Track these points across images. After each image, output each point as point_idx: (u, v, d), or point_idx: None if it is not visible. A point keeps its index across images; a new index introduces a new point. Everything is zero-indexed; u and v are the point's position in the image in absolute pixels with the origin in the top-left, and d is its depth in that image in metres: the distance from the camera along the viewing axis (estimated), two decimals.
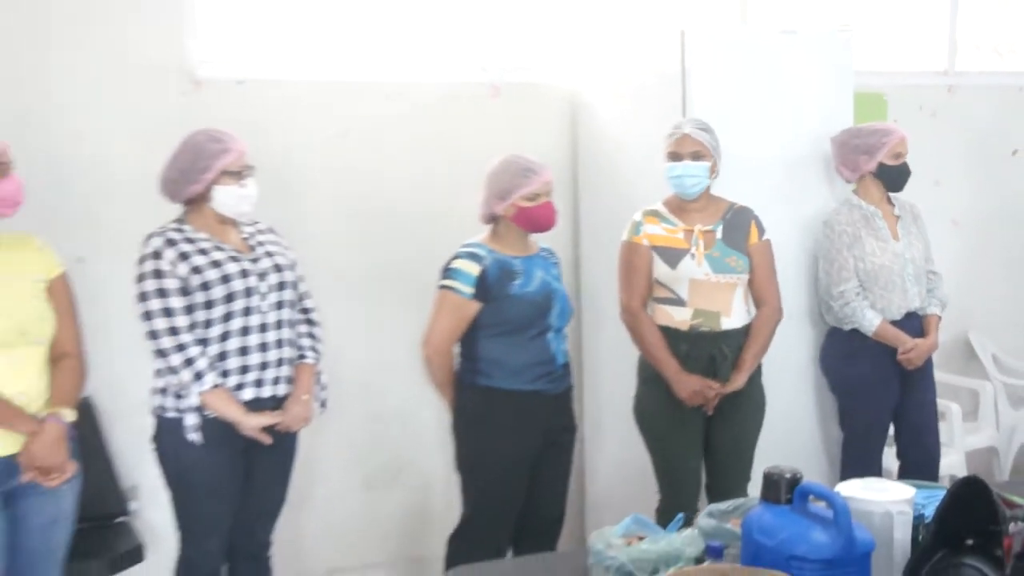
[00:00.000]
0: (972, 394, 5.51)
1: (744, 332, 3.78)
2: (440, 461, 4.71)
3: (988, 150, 5.69)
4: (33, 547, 2.99)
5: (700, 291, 3.71)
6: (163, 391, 3.27)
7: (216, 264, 3.24)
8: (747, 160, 4.08)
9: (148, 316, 3.20)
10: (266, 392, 3.30)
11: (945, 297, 4.41)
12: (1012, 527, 2.06)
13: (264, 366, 3.30)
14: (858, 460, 4.22)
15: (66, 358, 3.02)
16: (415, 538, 4.77)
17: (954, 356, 5.66)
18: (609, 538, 2.48)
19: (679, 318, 3.72)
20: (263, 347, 3.29)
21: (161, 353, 3.19)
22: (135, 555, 3.87)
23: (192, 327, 3.22)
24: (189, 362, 3.18)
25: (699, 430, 3.78)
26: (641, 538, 2.49)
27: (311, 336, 3.48)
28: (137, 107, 4.14)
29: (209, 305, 3.22)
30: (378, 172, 4.56)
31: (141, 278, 3.22)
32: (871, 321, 4.16)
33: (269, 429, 3.27)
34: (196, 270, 3.21)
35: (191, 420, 3.21)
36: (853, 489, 2.32)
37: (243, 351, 3.26)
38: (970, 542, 2.11)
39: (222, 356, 3.24)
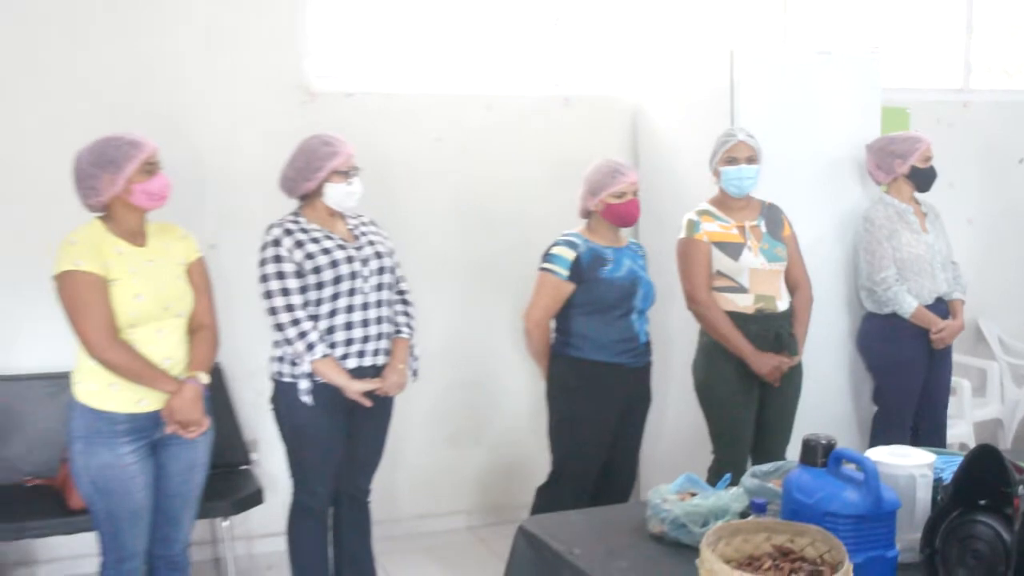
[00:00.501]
0: (980, 372, 5.45)
1: (791, 312, 3.78)
2: (513, 423, 4.76)
3: (997, 158, 5.64)
4: (174, 489, 3.03)
5: (758, 278, 3.70)
6: (280, 359, 3.31)
7: (326, 251, 3.26)
8: (787, 165, 4.05)
9: (268, 295, 3.24)
10: (367, 362, 3.31)
11: (965, 284, 4.36)
12: (1021, 489, 2.04)
13: (366, 339, 3.31)
14: (888, 430, 4.16)
15: (202, 329, 3.04)
16: (491, 489, 4.79)
17: (965, 339, 5.57)
18: (664, 494, 2.47)
19: (743, 304, 3.70)
20: (365, 323, 3.31)
21: (279, 327, 3.23)
22: (256, 498, 3.91)
23: (305, 305, 3.24)
24: (302, 335, 3.21)
25: (755, 400, 3.75)
26: (693, 494, 2.48)
27: (406, 314, 3.49)
28: (261, 116, 4.20)
29: (320, 286, 3.24)
30: (468, 174, 4.58)
31: (263, 262, 3.26)
32: (910, 304, 4.11)
33: (370, 394, 3.29)
34: (309, 256, 3.24)
35: (304, 384, 3.24)
36: (881, 455, 2.29)
37: (348, 326, 3.28)
38: (983, 502, 2.08)
39: (330, 330, 3.26)
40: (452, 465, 4.73)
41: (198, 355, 3.00)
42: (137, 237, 2.93)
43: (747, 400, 3.74)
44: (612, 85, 4.86)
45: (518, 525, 2.57)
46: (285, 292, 3.22)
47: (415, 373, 3.51)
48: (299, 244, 3.25)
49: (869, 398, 4.39)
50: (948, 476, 2.27)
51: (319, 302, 3.26)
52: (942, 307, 4.23)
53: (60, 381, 3.27)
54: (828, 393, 4.29)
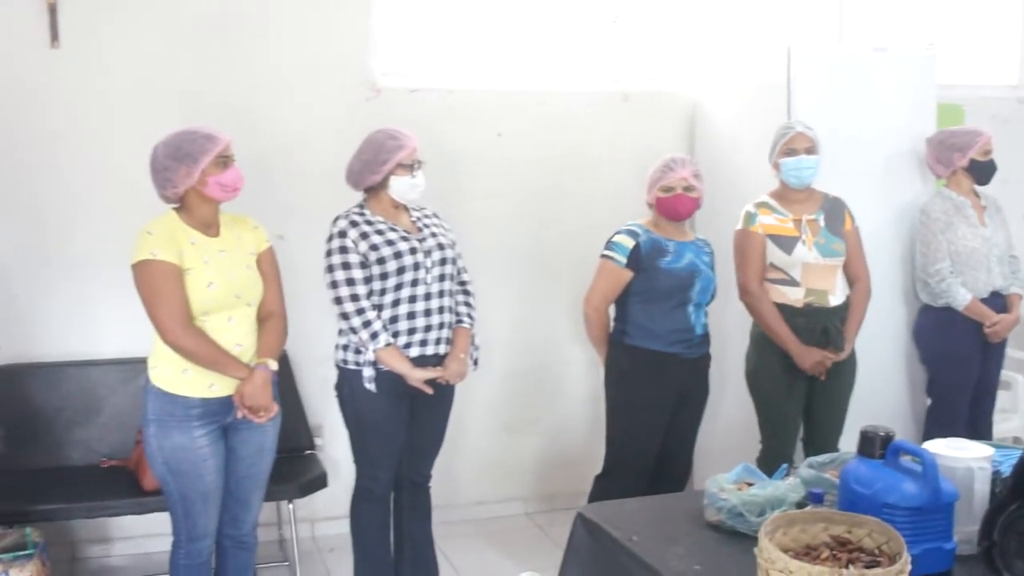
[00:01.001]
0: None
1: (845, 307, 3.73)
2: (571, 412, 4.76)
3: None
4: (243, 472, 3.07)
5: (811, 273, 3.67)
6: (345, 347, 3.32)
7: (390, 243, 3.27)
8: (844, 159, 4.01)
9: (334, 284, 3.25)
10: (429, 350, 3.32)
11: None
12: None
13: (428, 328, 3.31)
14: (942, 423, 4.10)
15: (272, 318, 3.07)
16: (549, 477, 4.79)
17: (1021, 332, 5.48)
18: (722, 483, 2.47)
19: (793, 297, 3.67)
20: (427, 313, 3.31)
21: (344, 316, 3.25)
22: (320, 481, 3.94)
23: (369, 295, 3.26)
24: (367, 324, 3.22)
25: (803, 392, 3.73)
26: (750, 484, 2.47)
27: (467, 304, 3.49)
28: (328, 112, 4.23)
29: (384, 277, 3.25)
30: (528, 168, 4.58)
31: (329, 253, 3.28)
32: (964, 296, 4.05)
33: (431, 381, 3.30)
34: (374, 247, 3.25)
35: (368, 372, 3.26)
36: (938, 447, 2.26)
37: (411, 316, 3.29)
38: None
39: (393, 319, 3.27)
40: (511, 452, 4.74)
41: (267, 342, 3.03)
42: (211, 228, 2.97)
43: (793, 391, 3.71)
44: (670, 81, 4.83)
45: (577, 512, 2.57)
46: (350, 282, 3.24)
47: (476, 362, 3.50)
48: (364, 236, 3.26)
49: (923, 390, 4.33)
50: (1006, 469, 2.23)
51: (383, 292, 3.27)
52: (998, 301, 4.16)
53: (136, 366, 3.33)
54: (883, 384, 4.24)
